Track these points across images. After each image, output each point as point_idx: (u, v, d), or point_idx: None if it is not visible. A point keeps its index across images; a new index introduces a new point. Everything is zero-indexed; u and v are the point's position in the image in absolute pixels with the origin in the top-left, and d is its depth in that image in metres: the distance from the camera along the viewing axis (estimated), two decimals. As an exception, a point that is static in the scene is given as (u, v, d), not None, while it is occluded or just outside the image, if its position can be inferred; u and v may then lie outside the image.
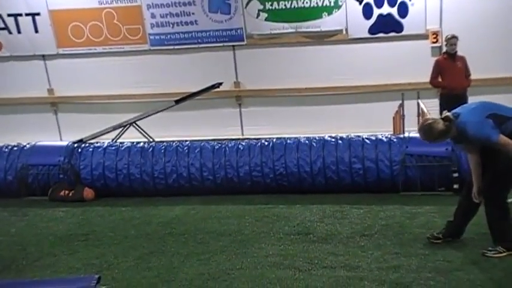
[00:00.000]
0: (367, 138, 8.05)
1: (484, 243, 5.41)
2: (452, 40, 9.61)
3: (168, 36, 12.49)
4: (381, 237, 5.96)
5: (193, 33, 12.42)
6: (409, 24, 11.75)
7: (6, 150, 8.91)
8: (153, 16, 12.40)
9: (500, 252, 5.19)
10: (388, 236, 6.00)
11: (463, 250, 5.40)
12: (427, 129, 5.22)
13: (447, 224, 5.70)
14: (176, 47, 12.62)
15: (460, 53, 9.76)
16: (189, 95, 10.96)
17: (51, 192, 8.54)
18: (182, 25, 12.39)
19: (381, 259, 5.31)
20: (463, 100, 9.33)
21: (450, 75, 9.56)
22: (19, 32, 12.79)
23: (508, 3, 11.51)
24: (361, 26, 11.93)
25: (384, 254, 5.46)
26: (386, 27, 11.88)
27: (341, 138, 8.16)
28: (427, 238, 5.70)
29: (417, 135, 8.72)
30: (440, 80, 9.74)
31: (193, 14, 12.30)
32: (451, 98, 9.31)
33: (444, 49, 10.14)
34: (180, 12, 12.28)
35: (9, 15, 12.67)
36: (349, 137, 8.21)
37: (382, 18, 11.82)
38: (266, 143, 8.35)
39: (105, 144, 8.90)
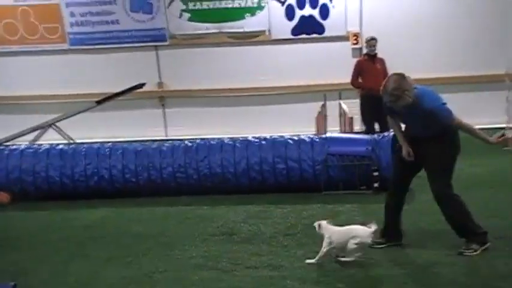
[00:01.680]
0: (290, 139, 8.11)
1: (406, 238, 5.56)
2: (371, 42, 9.85)
3: (89, 35, 12.23)
4: (303, 236, 6.01)
5: (115, 32, 12.22)
6: (330, 26, 11.98)
7: None
8: (72, 15, 12.11)
9: (476, 250, 5.16)
10: (310, 235, 6.04)
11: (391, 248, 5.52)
12: (401, 77, 5.02)
13: (382, 231, 5.52)
14: (97, 46, 12.36)
15: (379, 54, 10.01)
16: (111, 95, 10.76)
17: (-36, 197, 8.17)
18: (103, 24, 12.14)
19: (304, 258, 5.35)
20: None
21: (370, 76, 9.78)
22: None
23: (426, 6, 11.92)
24: (284, 27, 12.07)
25: (307, 252, 5.50)
26: (309, 28, 12.07)
27: (264, 138, 8.19)
28: (370, 246, 5.32)
29: (339, 135, 8.97)
30: (360, 80, 9.96)
31: (114, 13, 12.07)
32: (371, 98, 9.53)
33: (364, 50, 10.38)
34: (101, 11, 12.03)
35: None
36: (273, 137, 8.26)
37: (304, 19, 12.00)
38: (190, 144, 8.29)
39: (22, 147, 8.59)
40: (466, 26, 11.94)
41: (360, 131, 10.14)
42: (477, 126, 5.22)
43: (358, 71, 9.91)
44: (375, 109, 9.61)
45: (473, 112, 8.10)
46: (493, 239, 5.33)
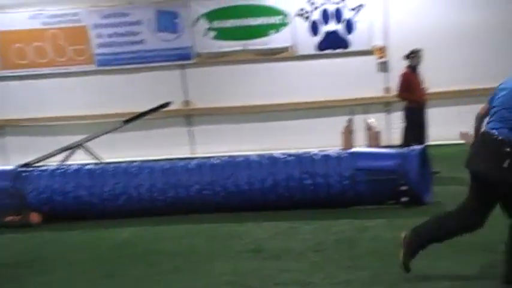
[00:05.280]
0: (316, 154, 8.09)
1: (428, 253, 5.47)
2: (420, 53, 9.64)
3: (115, 56, 12.37)
4: (333, 252, 5.98)
5: (141, 52, 12.35)
6: (355, 41, 11.96)
7: None
8: (99, 36, 12.26)
9: None
10: (340, 251, 6.02)
11: (413, 263, 5.44)
12: None
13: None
14: (124, 66, 12.50)
15: (404, 67, 9.87)
16: (138, 114, 10.82)
17: (-4, 217, 8.28)
18: (130, 45, 12.29)
19: (334, 274, 5.31)
20: (425, 112, 9.52)
21: (417, 88, 9.66)
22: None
23: (453, 18, 11.77)
24: (309, 43, 12.08)
25: (336, 269, 5.46)
26: (334, 43, 12.06)
27: (291, 154, 8.18)
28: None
29: (366, 150, 8.89)
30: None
31: (140, 33, 12.21)
32: (418, 110, 9.50)
33: (406, 63, 9.85)
34: (127, 31, 12.18)
35: None
36: (299, 153, 8.24)
37: (329, 34, 12.00)
38: (216, 162, 8.31)
39: (52, 167, 8.71)
40: (496, 37, 11.69)
41: (385, 145, 10.05)
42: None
43: (407, 84, 9.67)
44: (421, 120, 9.51)
45: None
46: None
